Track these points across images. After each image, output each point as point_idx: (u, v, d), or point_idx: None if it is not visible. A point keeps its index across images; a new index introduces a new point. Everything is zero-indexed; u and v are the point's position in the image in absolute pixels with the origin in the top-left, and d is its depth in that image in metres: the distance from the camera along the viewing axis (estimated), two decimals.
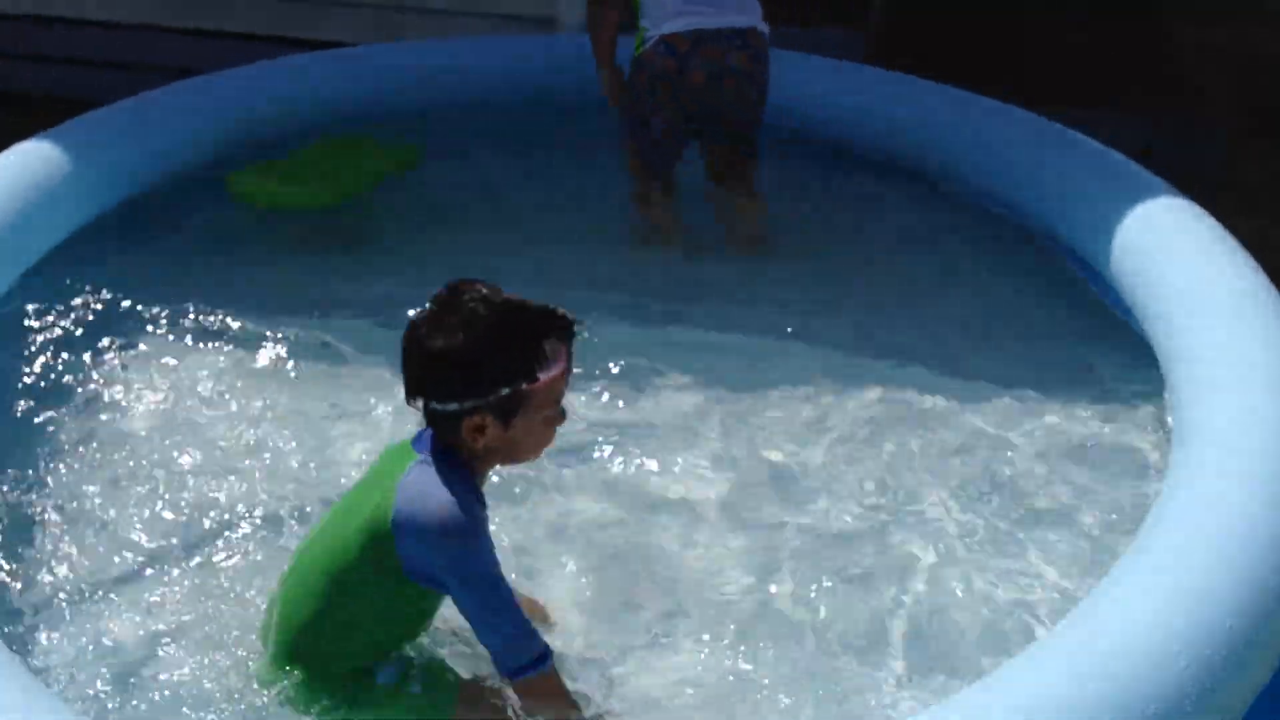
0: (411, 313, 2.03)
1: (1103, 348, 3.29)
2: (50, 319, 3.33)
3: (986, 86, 4.81)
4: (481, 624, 1.99)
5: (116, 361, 3.22)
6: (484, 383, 1.96)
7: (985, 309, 3.55)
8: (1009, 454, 2.91)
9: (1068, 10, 6.30)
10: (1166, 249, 3.09)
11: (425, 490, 1.97)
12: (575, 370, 2.09)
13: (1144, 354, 3.04)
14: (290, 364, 3.22)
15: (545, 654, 2.00)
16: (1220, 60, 6.23)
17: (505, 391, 1.96)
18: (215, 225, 3.95)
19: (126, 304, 3.40)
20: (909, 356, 3.27)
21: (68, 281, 3.45)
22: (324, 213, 3.94)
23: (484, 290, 1.98)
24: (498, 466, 2.14)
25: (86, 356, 3.21)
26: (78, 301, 3.41)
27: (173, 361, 3.23)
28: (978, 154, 3.93)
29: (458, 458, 2.02)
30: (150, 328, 3.33)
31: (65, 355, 3.21)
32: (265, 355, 3.25)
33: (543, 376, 1.98)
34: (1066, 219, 3.60)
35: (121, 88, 5.05)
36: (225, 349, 3.28)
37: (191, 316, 3.38)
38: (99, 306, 3.40)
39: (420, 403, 2.01)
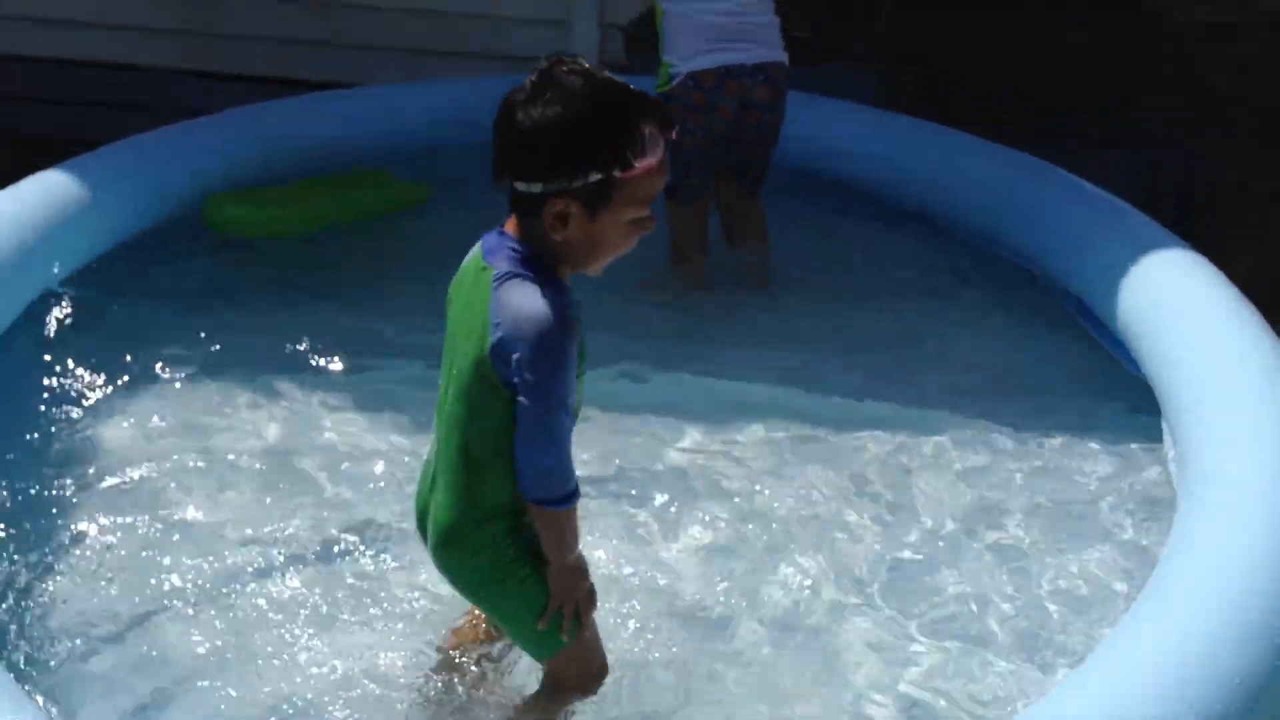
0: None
1: (1104, 390, 3.32)
2: (49, 356, 3.37)
3: (990, 89, 4.84)
4: (527, 440, 1.93)
5: (118, 400, 3.25)
6: (575, 162, 1.84)
7: (987, 351, 3.57)
8: (1012, 500, 2.92)
9: (1074, 39, 6.36)
10: (1166, 297, 3.12)
11: (515, 301, 1.90)
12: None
13: (1147, 398, 3.06)
14: (295, 402, 3.26)
15: (573, 493, 1.99)
16: (1229, 66, 6.28)
17: (596, 176, 1.86)
18: (215, 258, 3.98)
19: (127, 341, 3.45)
20: (911, 399, 3.30)
21: (63, 322, 3.51)
22: (323, 248, 3.97)
23: (584, 64, 1.89)
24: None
25: (89, 390, 3.26)
26: (82, 335, 3.48)
27: (176, 401, 3.26)
28: (979, 197, 3.96)
29: (537, 260, 1.93)
30: (148, 369, 3.35)
31: (67, 391, 3.26)
32: (264, 394, 3.28)
33: (638, 165, 1.86)
34: (1065, 264, 3.63)
35: (136, 129, 5.15)
36: (228, 388, 3.31)
37: (192, 355, 3.41)
38: (103, 340, 3.46)
39: (503, 180, 1.92)
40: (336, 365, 3.42)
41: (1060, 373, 3.46)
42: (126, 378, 3.30)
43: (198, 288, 3.81)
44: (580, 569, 2.10)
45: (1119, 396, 3.27)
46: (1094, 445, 3.10)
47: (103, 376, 3.29)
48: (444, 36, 5.08)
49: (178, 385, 3.31)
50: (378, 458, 3.06)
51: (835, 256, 4.10)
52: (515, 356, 1.89)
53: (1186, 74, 5.68)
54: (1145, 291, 3.23)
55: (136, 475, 2.97)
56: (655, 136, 1.87)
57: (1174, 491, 2.73)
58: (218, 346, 3.45)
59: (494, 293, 1.92)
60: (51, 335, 3.45)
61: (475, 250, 2.02)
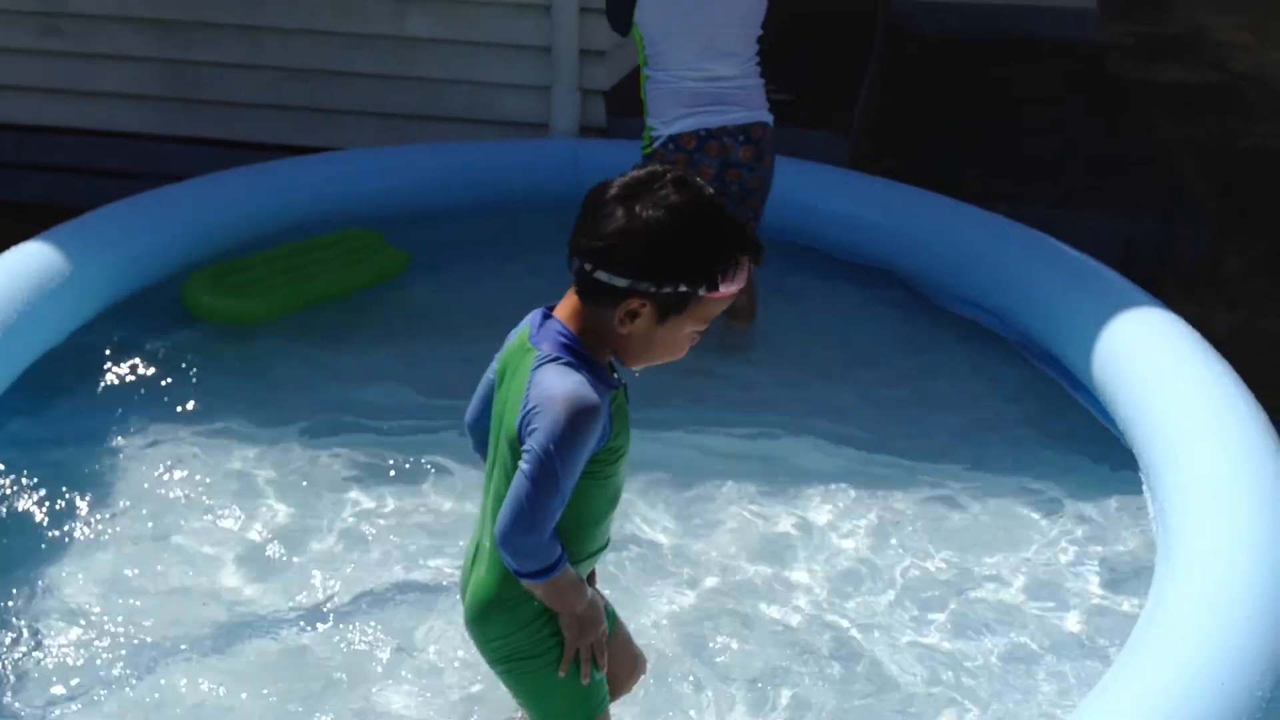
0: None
1: (1085, 452, 3.33)
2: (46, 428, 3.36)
3: (967, 179, 4.94)
4: (511, 510, 1.90)
5: (111, 468, 3.23)
6: (669, 272, 1.87)
7: (970, 413, 3.58)
8: (992, 561, 2.93)
9: (1046, 102, 6.48)
10: (1145, 359, 3.16)
11: (549, 381, 1.90)
12: None
13: (1128, 460, 3.08)
14: (280, 470, 3.24)
15: (552, 566, 1.94)
16: (1199, 152, 6.39)
17: (681, 289, 1.88)
18: (190, 328, 3.95)
19: (118, 410, 3.44)
20: (893, 461, 3.31)
21: (52, 391, 3.50)
22: (310, 309, 3.97)
23: (698, 180, 1.92)
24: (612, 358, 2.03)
25: (84, 460, 3.24)
26: (67, 407, 3.47)
27: (164, 470, 3.23)
28: (961, 261, 4.01)
29: (584, 345, 1.94)
30: (132, 439, 3.33)
31: (61, 459, 3.23)
32: (251, 460, 3.26)
33: (723, 289, 1.90)
34: (1046, 327, 3.67)
35: (122, 195, 5.17)
36: (210, 455, 3.28)
37: (172, 428, 3.39)
38: (91, 414, 3.45)
39: (585, 265, 1.91)
40: (323, 437, 3.39)
41: (1039, 430, 3.48)
42: (117, 450, 3.28)
43: (177, 358, 3.78)
44: (591, 618, 2.07)
45: (1099, 454, 3.29)
46: (1074, 504, 3.11)
47: (93, 449, 3.27)
48: (425, 101, 5.14)
49: (166, 453, 3.29)
50: (374, 522, 3.05)
51: (808, 318, 4.12)
52: (532, 427, 1.89)
53: (1165, 165, 5.77)
54: (1122, 351, 3.26)
55: (140, 539, 2.96)
56: (744, 266, 1.92)
57: (1153, 551, 2.74)
58: (202, 418, 3.43)
59: (532, 373, 1.93)
60: (39, 404, 3.43)
61: (522, 328, 2.04)
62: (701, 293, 1.90)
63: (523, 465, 1.90)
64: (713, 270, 1.89)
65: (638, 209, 1.86)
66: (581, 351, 1.94)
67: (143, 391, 3.57)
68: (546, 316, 1.99)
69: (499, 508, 1.97)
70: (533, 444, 1.89)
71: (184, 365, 3.71)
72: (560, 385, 1.89)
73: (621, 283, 1.88)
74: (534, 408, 1.90)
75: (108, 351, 3.71)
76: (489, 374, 2.11)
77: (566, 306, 1.98)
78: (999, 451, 3.38)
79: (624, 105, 5.20)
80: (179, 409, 3.47)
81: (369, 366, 3.77)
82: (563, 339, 1.94)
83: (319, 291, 3.99)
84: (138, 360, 3.69)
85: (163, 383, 3.60)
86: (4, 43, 5.30)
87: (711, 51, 3.52)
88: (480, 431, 2.13)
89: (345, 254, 4.17)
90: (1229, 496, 2.55)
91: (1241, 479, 2.60)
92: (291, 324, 3.92)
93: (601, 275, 1.89)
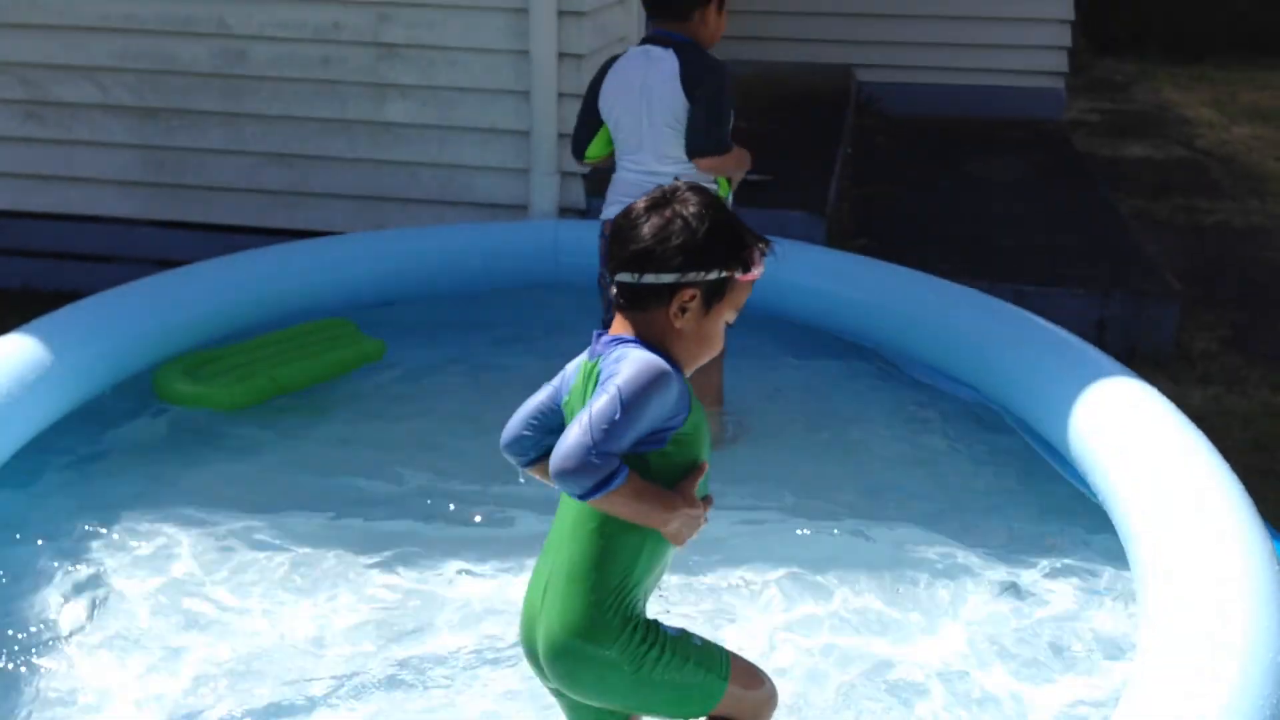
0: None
1: (1069, 523, 3.35)
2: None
3: (939, 258, 5.01)
4: (566, 434, 1.95)
5: (87, 564, 3.18)
6: (710, 256, 2.05)
7: (951, 484, 3.61)
8: (976, 634, 2.93)
9: (1015, 181, 6.60)
10: (1125, 431, 3.19)
11: (627, 352, 2.03)
12: None
13: (1111, 529, 3.10)
14: (260, 558, 3.22)
15: (609, 478, 1.95)
16: (1167, 229, 6.51)
17: (721, 274, 2.07)
18: (162, 417, 3.91)
19: (94, 507, 3.36)
20: (879, 534, 3.32)
21: (35, 486, 3.45)
22: (292, 395, 3.97)
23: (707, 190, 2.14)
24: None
25: (73, 554, 3.18)
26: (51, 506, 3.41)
27: (140, 567, 3.17)
28: (940, 336, 4.07)
29: (651, 347, 2.07)
30: (110, 535, 3.26)
31: (55, 552, 3.18)
32: (222, 551, 3.23)
33: (752, 272, 2.10)
34: (1026, 402, 3.71)
35: (102, 279, 5.19)
36: (192, 549, 3.22)
37: (158, 518, 3.32)
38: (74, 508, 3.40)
39: (631, 277, 2.06)
40: (308, 520, 3.37)
41: (1023, 502, 3.50)
42: (101, 542, 3.24)
43: (155, 448, 3.75)
44: (666, 514, 2.05)
45: (1084, 525, 3.31)
46: (1059, 577, 3.12)
47: (76, 542, 3.22)
48: (403, 184, 5.20)
49: (149, 547, 3.24)
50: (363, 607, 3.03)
51: (787, 393, 4.15)
52: (610, 374, 2.00)
53: (1133, 246, 5.87)
54: (1101, 423, 3.30)
55: (124, 634, 2.90)
56: (763, 253, 2.13)
57: (1136, 621, 2.75)
58: (183, 502, 3.40)
59: (605, 360, 2.06)
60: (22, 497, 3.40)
61: (583, 364, 2.15)
62: (738, 275, 2.09)
63: (595, 396, 1.98)
64: (746, 253, 2.09)
65: (669, 213, 2.07)
66: (654, 350, 2.08)
67: (121, 478, 3.54)
68: (607, 340, 2.11)
69: (576, 532, 2.08)
70: (606, 382, 1.99)
71: (161, 451, 3.70)
72: (640, 353, 2.03)
73: (671, 278, 2.05)
74: (609, 370, 2.01)
75: (81, 439, 3.68)
76: (543, 399, 2.19)
77: (617, 328, 2.12)
78: (982, 526, 3.38)
79: (603, 186, 5.27)
80: (161, 494, 3.44)
81: (348, 450, 3.75)
82: (629, 342, 2.08)
83: (294, 378, 4.00)
84: (114, 447, 3.67)
85: (143, 469, 3.57)
86: None
87: (651, 150, 3.59)
88: (518, 448, 2.20)
89: (320, 342, 4.18)
90: (1210, 565, 2.57)
91: (1219, 544, 2.62)
92: (269, 409, 3.92)
93: (650, 278, 2.06)
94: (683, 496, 2.08)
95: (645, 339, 2.08)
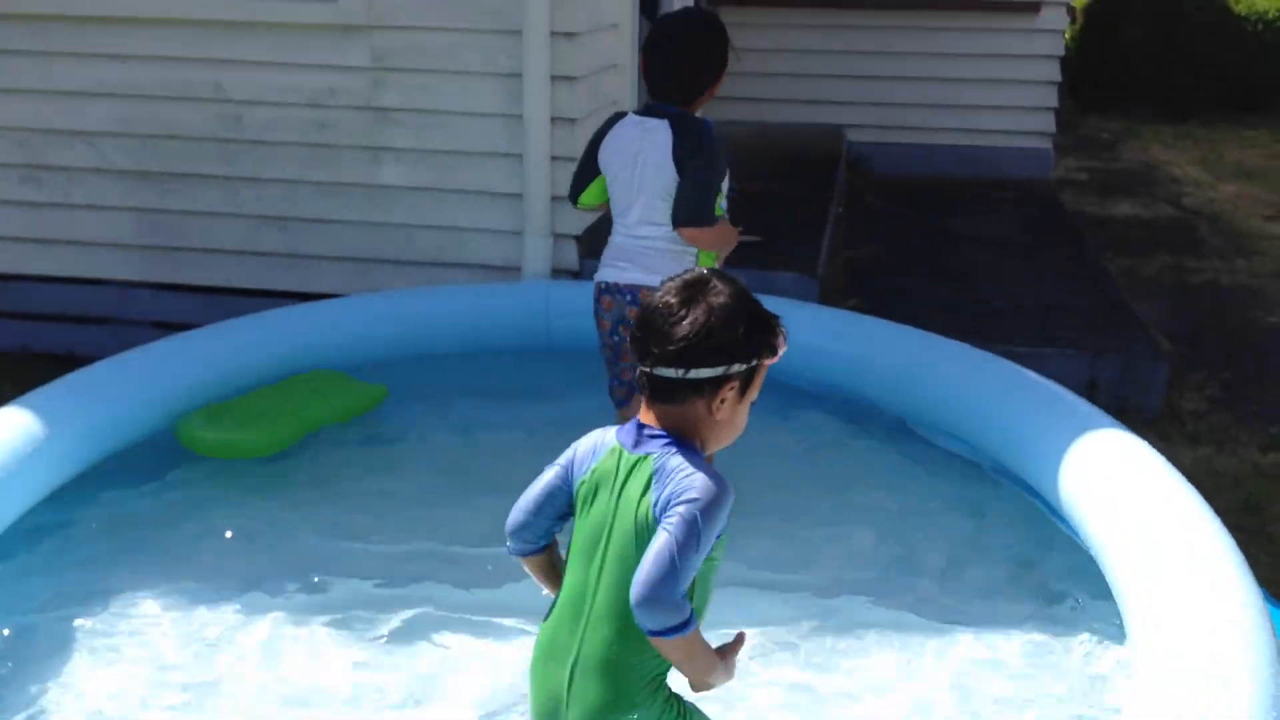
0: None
1: (1066, 580, 3.35)
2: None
3: (930, 318, 5.04)
4: (657, 569, 1.97)
5: (85, 625, 3.18)
6: (748, 349, 2.09)
7: (948, 546, 3.60)
8: (979, 686, 2.93)
9: (1004, 240, 6.66)
10: (1118, 486, 3.21)
11: (686, 464, 2.05)
12: None
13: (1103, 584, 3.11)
14: (265, 628, 3.21)
15: (689, 620, 2.00)
16: (1155, 288, 6.56)
17: (755, 362, 2.11)
18: (171, 475, 3.93)
19: (87, 572, 3.36)
20: (874, 589, 3.32)
21: (29, 551, 3.44)
22: (284, 455, 3.99)
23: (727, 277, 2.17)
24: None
25: (77, 619, 3.17)
26: (46, 570, 3.40)
27: (137, 629, 3.18)
28: (935, 392, 4.09)
29: (688, 444, 2.09)
30: (93, 605, 3.23)
31: (53, 617, 3.17)
32: (232, 621, 3.22)
33: (779, 354, 2.14)
34: (1020, 456, 3.72)
35: (100, 342, 5.22)
36: (192, 613, 3.22)
37: (153, 580, 3.32)
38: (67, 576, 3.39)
39: (676, 373, 2.06)
40: (310, 588, 3.37)
41: (1018, 560, 3.50)
42: (83, 613, 3.22)
43: (138, 513, 3.74)
44: (713, 674, 2.12)
45: (1080, 581, 3.31)
46: (1055, 636, 3.13)
47: (58, 611, 3.21)
48: (397, 247, 5.24)
49: (159, 614, 3.24)
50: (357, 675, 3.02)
51: (784, 451, 4.16)
52: (678, 500, 2.02)
53: (1112, 286, 5.92)
54: (1096, 479, 3.31)
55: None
56: (784, 336, 2.18)
57: (1132, 680, 2.75)
58: (174, 576, 3.39)
59: (661, 466, 2.06)
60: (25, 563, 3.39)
61: (612, 447, 2.14)
62: (767, 359, 2.13)
63: (666, 529, 2.00)
64: (772, 339, 2.13)
65: (705, 306, 2.07)
66: (695, 449, 2.10)
67: (105, 545, 3.53)
68: (640, 428, 2.12)
69: (612, 616, 2.07)
70: (678, 510, 2.01)
71: (171, 506, 3.71)
72: (700, 466, 2.06)
73: (715, 372, 2.07)
74: (678, 487, 2.03)
75: (62, 505, 3.67)
76: (551, 481, 2.19)
77: (649, 416, 2.13)
78: (980, 588, 3.38)
79: (596, 248, 5.32)
80: (145, 561, 3.43)
81: (334, 513, 3.74)
82: (669, 439, 2.09)
83: (317, 419, 4.09)
84: (96, 514, 3.66)
85: (129, 535, 3.57)
86: None
87: (640, 215, 3.63)
88: (528, 535, 2.21)
89: (325, 388, 4.27)
90: (1203, 624, 2.57)
91: (1212, 603, 2.63)
92: (251, 471, 3.94)
93: (695, 373, 2.07)
94: (725, 664, 2.13)
95: (680, 429, 2.10)
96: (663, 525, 2.00)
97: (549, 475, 2.20)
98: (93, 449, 3.79)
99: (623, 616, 2.06)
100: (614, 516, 2.10)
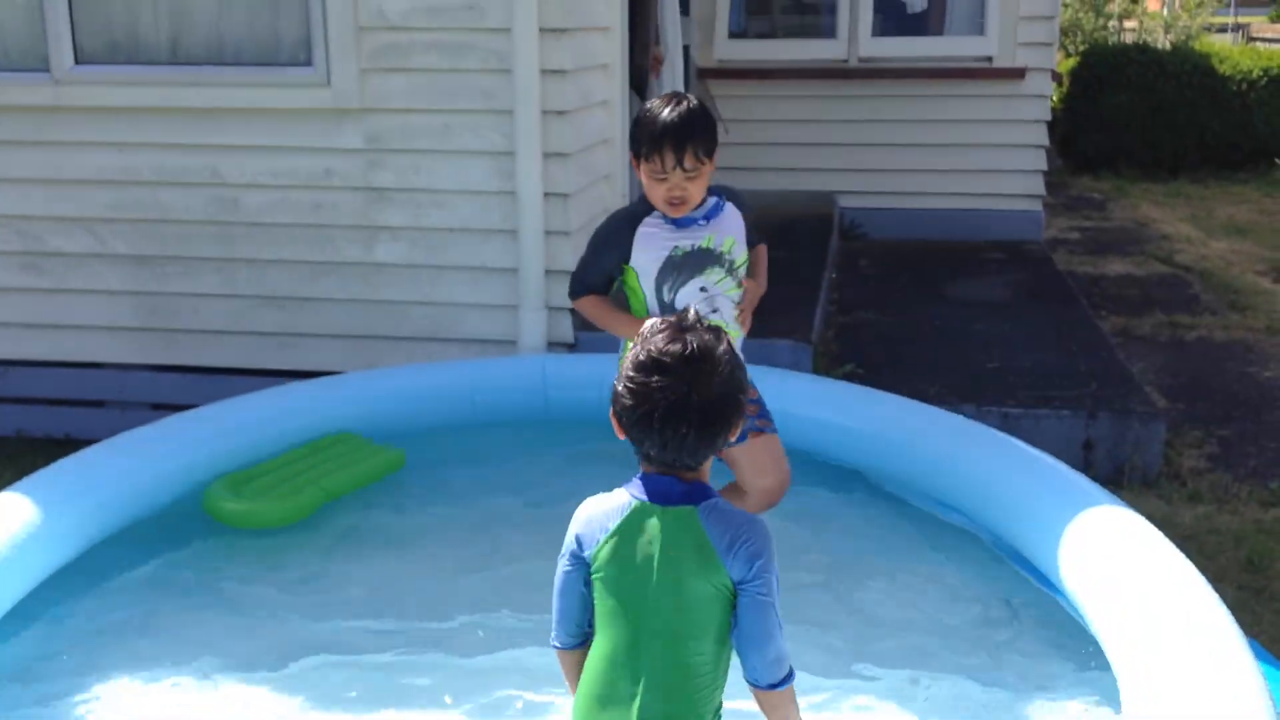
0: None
1: (1064, 657, 3.33)
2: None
3: (925, 383, 5.06)
4: (767, 632, 2.17)
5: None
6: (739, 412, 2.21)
7: (947, 619, 3.58)
8: None
9: (997, 303, 6.69)
10: (1108, 556, 3.20)
11: (739, 517, 2.19)
12: None
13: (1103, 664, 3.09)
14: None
15: (792, 670, 2.23)
16: (1149, 346, 6.58)
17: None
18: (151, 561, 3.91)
19: (81, 655, 3.35)
20: (868, 664, 3.30)
21: (36, 630, 3.44)
22: (302, 525, 4.02)
23: (695, 318, 2.24)
24: None
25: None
26: (47, 650, 3.40)
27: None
28: (929, 464, 4.09)
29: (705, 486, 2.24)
30: (95, 688, 3.21)
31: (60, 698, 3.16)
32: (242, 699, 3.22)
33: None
34: (1011, 525, 3.72)
35: (97, 424, 5.23)
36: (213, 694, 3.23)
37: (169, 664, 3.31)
38: (66, 658, 3.38)
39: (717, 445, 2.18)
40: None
41: (1016, 632, 3.48)
42: (85, 696, 3.21)
43: (143, 592, 3.75)
44: None
45: (1078, 658, 3.29)
46: (1053, 705, 3.10)
47: (64, 691, 3.21)
48: (392, 323, 5.28)
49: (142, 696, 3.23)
50: None
51: (781, 523, 4.14)
52: (759, 561, 2.15)
53: (1106, 345, 5.95)
54: (1088, 551, 3.30)
55: None
56: None
57: None
58: (181, 657, 3.38)
59: (709, 519, 2.17)
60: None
61: (634, 505, 2.21)
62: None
63: (762, 597, 2.16)
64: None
65: (723, 370, 2.14)
66: (713, 490, 2.23)
67: (109, 621, 3.52)
68: (667, 479, 2.19)
69: (680, 656, 2.16)
70: (761, 569, 2.15)
71: (148, 596, 3.68)
72: (751, 518, 2.20)
73: (734, 435, 2.20)
74: (743, 540, 2.15)
75: (65, 583, 3.67)
76: (570, 571, 2.26)
77: (660, 469, 2.20)
78: (979, 664, 3.35)
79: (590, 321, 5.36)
80: (149, 642, 3.41)
81: (332, 591, 3.73)
82: (695, 488, 2.20)
83: (339, 486, 4.14)
84: (102, 592, 3.66)
85: (133, 612, 3.56)
86: None
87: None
88: (570, 628, 2.31)
89: (346, 453, 4.32)
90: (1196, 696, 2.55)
91: (1210, 678, 2.61)
92: (250, 544, 3.94)
93: (726, 443, 2.20)
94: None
95: (697, 479, 2.21)
96: (755, 591, 2.14)
97: (560, 569, 2.27)
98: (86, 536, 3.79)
99: (684, 665, 2.16)
100: (659, 570, 2.16)
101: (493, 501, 4.30)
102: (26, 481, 3.72)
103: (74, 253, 5.37)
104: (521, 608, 3.44)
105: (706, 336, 2.14)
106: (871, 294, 6.97)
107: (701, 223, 3.44)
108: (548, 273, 5.10)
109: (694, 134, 3.21)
